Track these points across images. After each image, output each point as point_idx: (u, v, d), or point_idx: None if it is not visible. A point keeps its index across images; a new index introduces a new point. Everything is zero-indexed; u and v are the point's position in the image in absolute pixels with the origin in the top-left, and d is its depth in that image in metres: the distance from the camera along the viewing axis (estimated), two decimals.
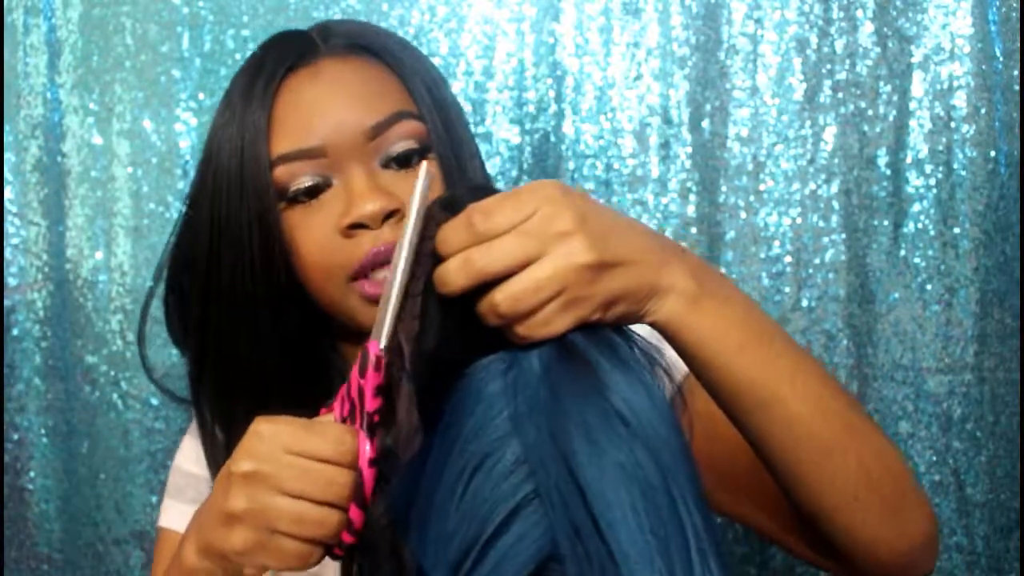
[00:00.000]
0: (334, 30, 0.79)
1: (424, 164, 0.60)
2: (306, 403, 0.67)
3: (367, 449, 0.57)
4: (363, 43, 0.78)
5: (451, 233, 0.56)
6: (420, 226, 0.57)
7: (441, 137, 0.76)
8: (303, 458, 0.57)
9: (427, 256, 0.57)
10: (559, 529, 0.50)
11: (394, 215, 0.72)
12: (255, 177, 0.73)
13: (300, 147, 0.73)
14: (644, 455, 0.52)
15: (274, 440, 0.57)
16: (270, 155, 0.74)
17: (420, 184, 0.57)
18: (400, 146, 0.74)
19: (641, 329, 0.60)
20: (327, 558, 0.59)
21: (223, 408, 0.82)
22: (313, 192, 0.74)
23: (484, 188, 0.59)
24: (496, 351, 0.57)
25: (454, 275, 0.55)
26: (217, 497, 0.59)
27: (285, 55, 0.77)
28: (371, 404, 0.57)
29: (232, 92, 0.78)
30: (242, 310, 0.77)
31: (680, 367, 0.71)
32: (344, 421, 0.59)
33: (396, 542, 0.57)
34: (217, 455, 0.83)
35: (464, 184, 0.67)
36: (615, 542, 0.49)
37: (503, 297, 0.54)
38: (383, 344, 0.57)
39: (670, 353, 0.61)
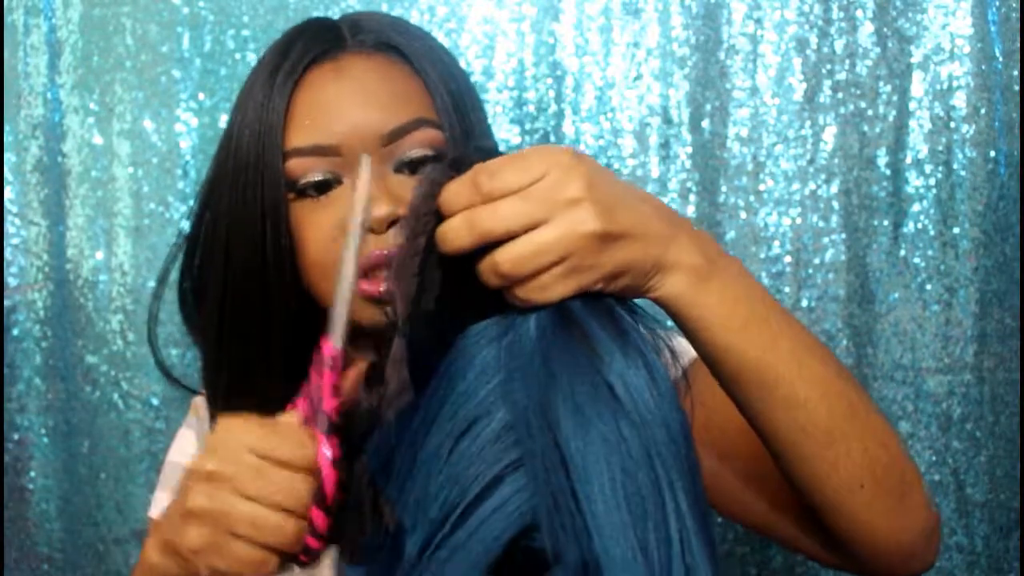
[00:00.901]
0: (364, 25, 0.79)
1: (364, 158, 0.59)
2: None
3: (327, 452, 0.56)
4: (391, 42, 0.77)
5: (455, 192, 0.55)
6: (364, 231, 0.58)
7: (459, 147, 0.76)
8: (264, 460, 0.56)
9: (429, 215, 0.56)
10: (540, 497, 0.50)
11: (400, 221, 0.72)
12: (271, 167, 0.73)
13: (315, 143, 0.73)
14: (630, 430, 0.51)
15: (238, 440, 0.57)
16: (285, 146, 0.74)
17: (363, 180, 0.57)
18: (415, 153, 0.74)
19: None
20: (295, 566, 0.58)
21: (238, 399, 0.82)
22: (322, 188, 0.74)
23: (493, 151, 0.58)
24: (494, 314, 0.56)
25: (456, 234, 0.54)
26: (180, 493, 0.59)
27: (311, 46, 0.76)
28: (328, 403, 0.56)
29: (255, 78, 0.77)
30: (254, 300, 0.77)
31: (688, 352, 0.70)
32: (307, 421, 0.58)
33: (377, 498, 0.56)
34: None
35: (473, 144, 0.66)
36: (591, 515, 0.49)
37: (505, 258, 0.53)
38: (338, 344, 0.56)
39: (680, 338, 0.61)
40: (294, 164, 0.73)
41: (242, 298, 0.77)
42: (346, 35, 0.78)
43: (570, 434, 0.51)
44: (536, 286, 0.54)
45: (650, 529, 0.50)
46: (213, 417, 0.83)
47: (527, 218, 0.53)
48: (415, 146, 0.74)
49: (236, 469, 0.56)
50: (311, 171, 0.73)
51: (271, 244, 0.75)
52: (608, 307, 0.56)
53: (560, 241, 0.53)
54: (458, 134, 0.76)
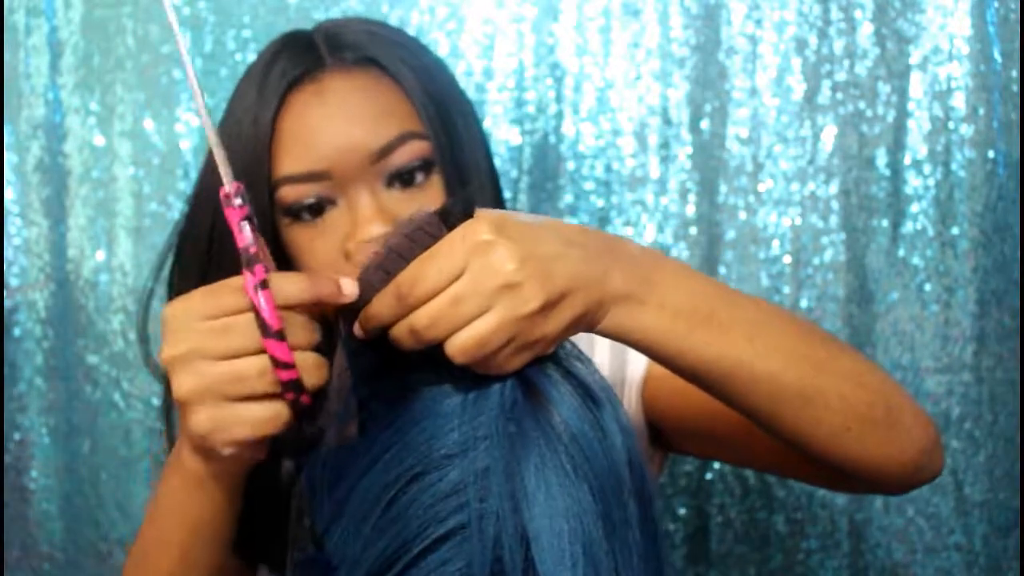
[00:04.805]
0: (342, 39, 0.78)
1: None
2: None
3: (251, 279, 0.55)
4: (370, 55, 0.77)
5: (381, 307, 0.55)
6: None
7: (446, 154, 0.76)
8: (217, 319, 0.55)
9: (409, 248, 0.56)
10: (481, 561, 0.50)
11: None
12: (257, 197, 0.73)
13: (306, 170, 0.73)
14: (590, 504, 0.52)
15: (186, 315, 0.56)
16: (274, 174, 0.74)
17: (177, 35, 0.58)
18: (405, 166, 0.75)
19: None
20: (297, 415, 0.56)
21: None
22: (317, 210, 0.74)
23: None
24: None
25: (405, 343, 0.55)
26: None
27: (289, 69, 0.76)
28: (240, 240, 0.56)
29: (236, 102, 0.78)
30: None
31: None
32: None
33: (308, 518, 0.55)
34: None
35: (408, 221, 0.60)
36: None
37: (454, 351, 0.53)
38: (227, 183, 0.56)
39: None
40: (286, 191, 0.74)
41: None
42: (324, 53, 0.77)
43: (531, 502, 0.51)
44: (491, 367, 0.54)
45: None
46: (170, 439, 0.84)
47: (467, 316, 0.53)
48: (404, 159, 0.74)
49: (197, 339, 0.55)
50: (304, 196, 0.74)
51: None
52: (565, 366, 0.56)
53: (501, 328, 0.53)
54: (444, 141, 0.76)
